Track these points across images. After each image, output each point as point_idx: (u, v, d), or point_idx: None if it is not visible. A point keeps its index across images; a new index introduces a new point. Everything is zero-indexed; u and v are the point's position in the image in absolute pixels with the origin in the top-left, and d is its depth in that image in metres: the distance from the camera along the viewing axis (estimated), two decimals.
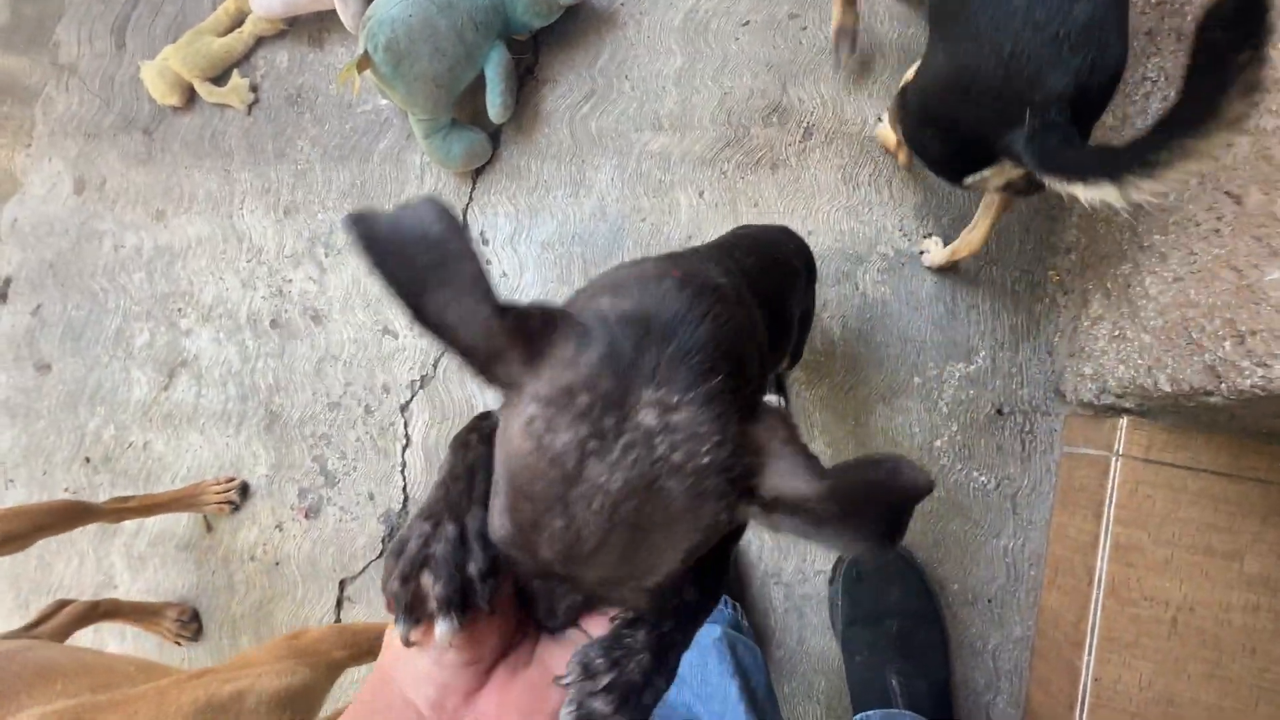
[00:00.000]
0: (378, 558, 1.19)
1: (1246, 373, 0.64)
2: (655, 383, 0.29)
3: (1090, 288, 0.95)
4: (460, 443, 0.37)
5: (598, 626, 0.35)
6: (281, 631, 1.19)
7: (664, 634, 0.34)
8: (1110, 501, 0.88)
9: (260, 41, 1.30)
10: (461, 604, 0.31)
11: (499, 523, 0.31)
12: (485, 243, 1.19)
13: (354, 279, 1.23)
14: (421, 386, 1.19)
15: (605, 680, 0.32)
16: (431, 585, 0.31)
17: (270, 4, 1.21)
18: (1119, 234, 0.89)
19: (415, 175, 1.22)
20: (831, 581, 1.03)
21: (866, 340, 1.08)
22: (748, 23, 1.14)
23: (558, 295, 1.17)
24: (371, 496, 1.20)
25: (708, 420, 0.29)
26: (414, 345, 1.20)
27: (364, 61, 0.99)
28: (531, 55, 1.20)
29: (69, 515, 1.03)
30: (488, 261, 1.18)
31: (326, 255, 1.24)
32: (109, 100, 1.36)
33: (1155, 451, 0.87)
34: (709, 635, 0.87)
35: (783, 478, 0.29)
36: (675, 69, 1.15)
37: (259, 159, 1.28)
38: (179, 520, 1.24)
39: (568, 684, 0.32)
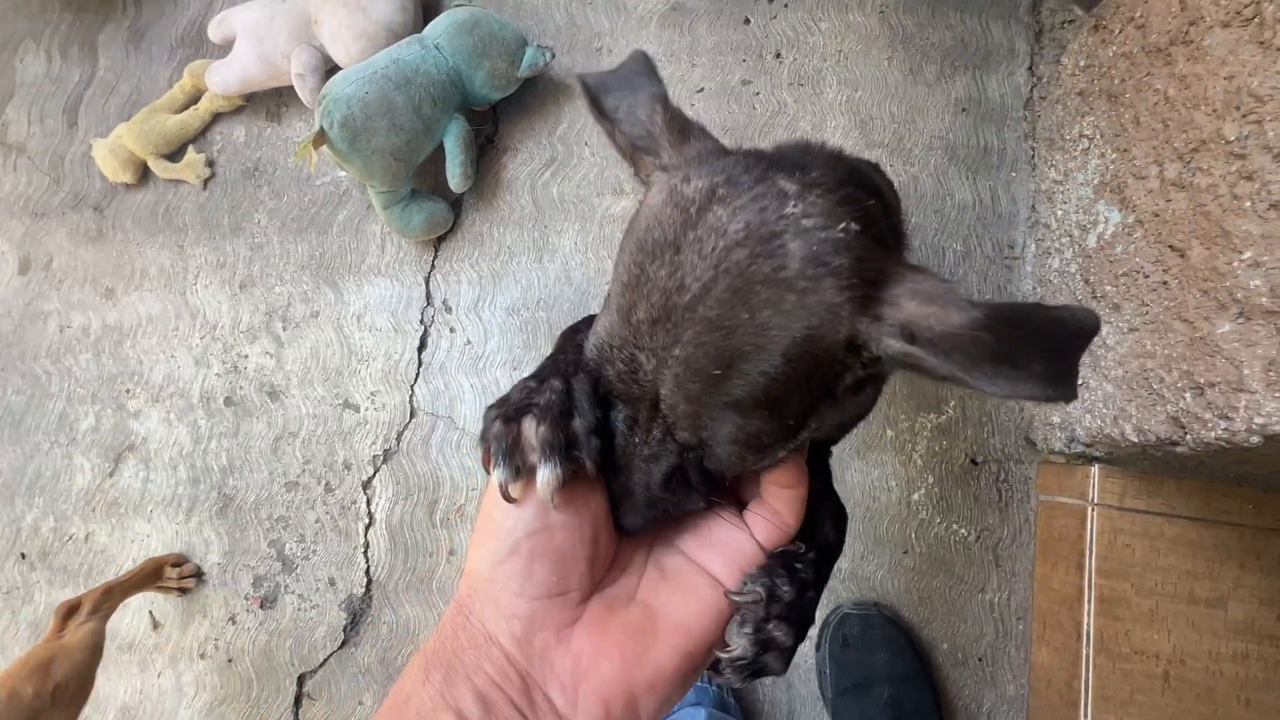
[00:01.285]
0: (340, 648, 1.11)
1: (1210, 425, 0.64)
2: (798, 175, 0.29)
3: None
4: (571, 329, 0.41)
5: (714, 558, 0.33)
6: None
7: (811, 577, 0.33)
8: (1091, 552, 0.87)
9: (217, 117, 1.29)
10: (565, 454, 0.29)
11: (602, 323, 0.31)
12: (449, 310, 1.17)
13: (313, 351, 1.19)
14: (384, 461, 1.15)
15: (781, 607, 0.31)
16: (534, 430, 0.30)
17: (226, 81, 1.21)
18: (1073, 283, 0.91)
19: (376, 245, 1.20)
20: (818, 648, 1.00)
21: None
22: (702, 89, 1.17)
23: (524, 361, 1.15)
24: (332, 582, 1.13)
25: (846, 211, 0.28)
26: (376, 418, 1.16)
27: (319, 138, 0.98)
28: (492, 125, 1.21)
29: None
30: (451, 329, 1.16)
31: (284, 329, 1.21)
32: (59, 179, 1.33)
33: (1129, 499, 0.87)
34: (693, 719, 0.83)
35: (925, 302, 0.26)
36: None
37: (214, 233, 1.26)
38: (120, 618, 1.16)
39: (745, 603, 0.31)
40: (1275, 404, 0.57)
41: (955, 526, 1.03)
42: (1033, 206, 1.06)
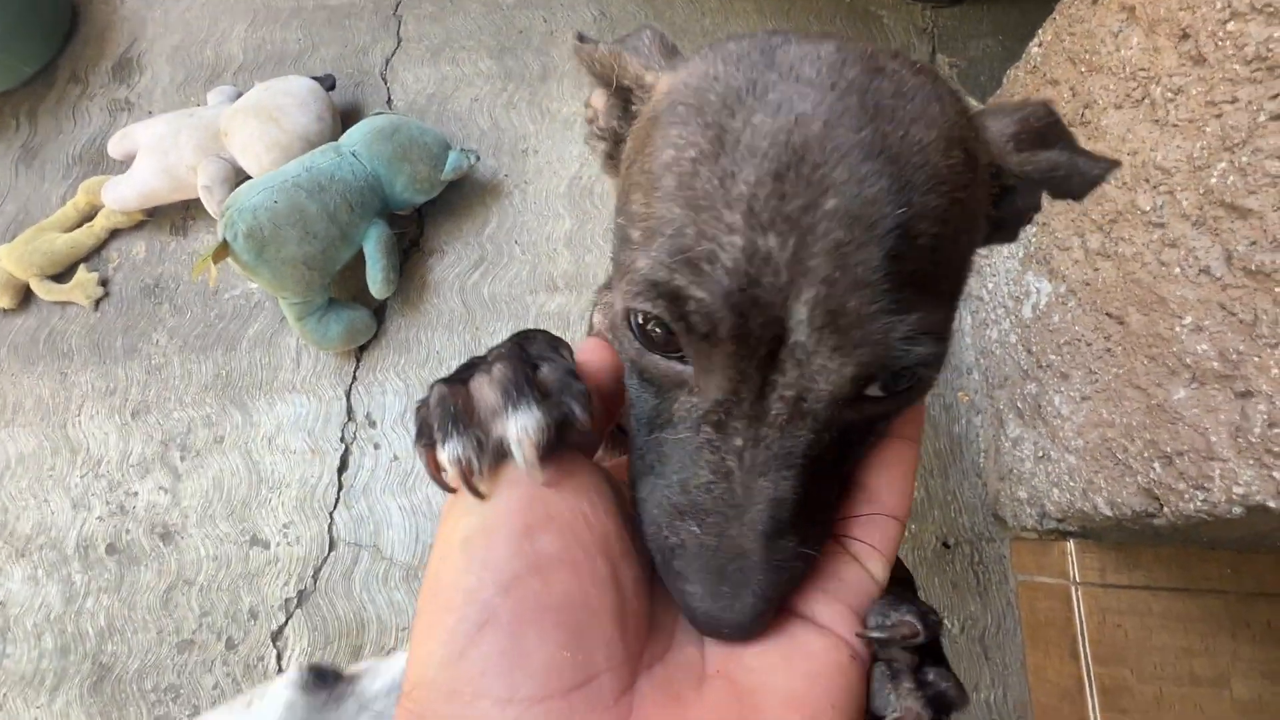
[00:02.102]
0: None
1: (1186, 496, 0.61)
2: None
3: (1002, 407, 0.94)
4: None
5: (801, 595, 0.22)
6: None
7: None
8: (1083, 637, 0.81)
9: (115, 234, 1.20)
10: (542, 401, 0.20)
11: (657, 247, 0.20)
12: (373, 424, 1.07)
13: (215, 482, 1.05)
14: (299, 604, 0.99)
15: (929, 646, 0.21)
16: (488, 383, 0.21)
17: (125, 197, 1.13)
18: (1015, 353, 0.91)
19: (290, 359, 1.11)
20: None
21: None
22: None
23: None
24: None
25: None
26: (289, 554, 1.01)
27: (221, 251, 0.91)
28: (416, 228, 1.17)
29: None
30: (376, 445, 1.06)
31: (182, 459, 1.07)
32: None
33: (1110, 574, 0.82)
34: None
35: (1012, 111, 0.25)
36: (565, 231, 1.15)
37: (104, 357, 1.13)
38: None
39: (893, 639, 0.21)
40: (1252, 471, 0.54)
41: None
42: None
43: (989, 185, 0.23)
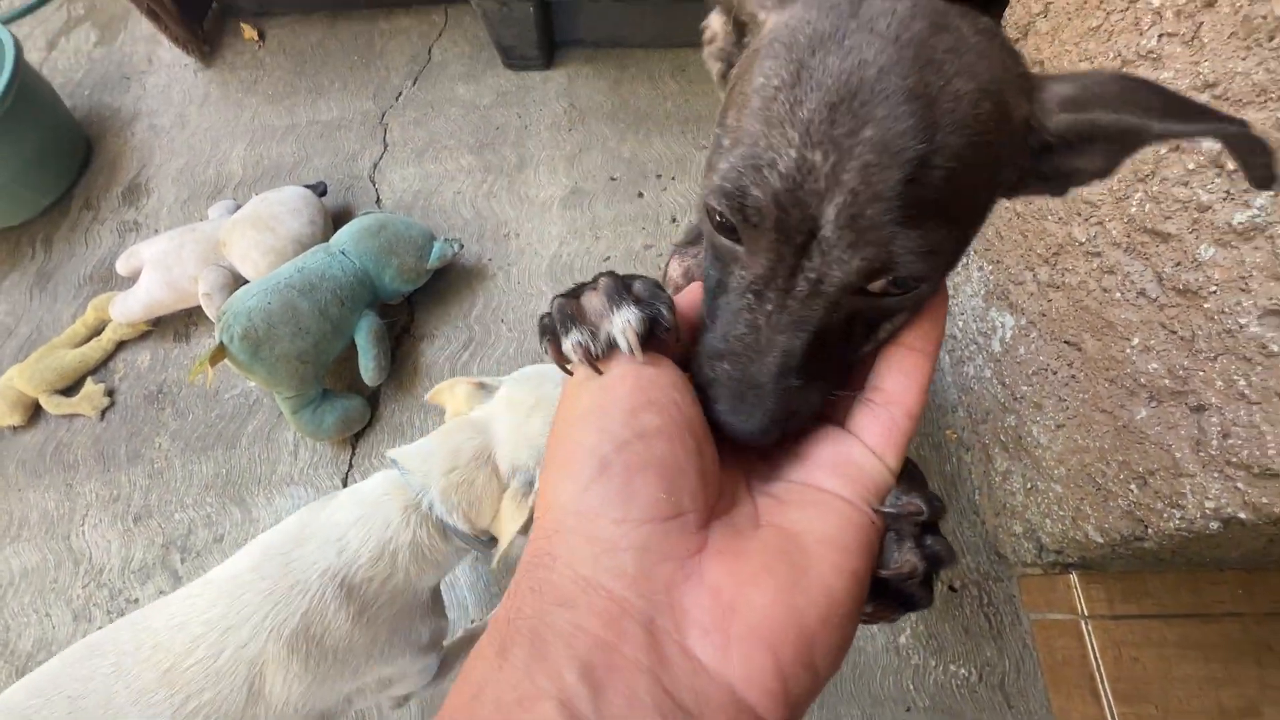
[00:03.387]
0: None
1: (1165, 515, 0.61)
2: None
3: (988, 442, 0.95)
4: None
5: (829, 478, 0.27)
6: None
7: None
8: (1100, 675, 0.78)
9: (121, 346, 1.26)
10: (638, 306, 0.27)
11: (735, 153, 0.25)
12: None
13: None
14: None
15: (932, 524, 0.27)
16: (596, 296, 0.28)
17: (131, 309, 1.19)
18: (991, 387, 0.92)
19: (288, 452, 1.13)
20: None
21: None
22: (608, 258, 1.23)
23: None
24: None
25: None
26: None
27: (218, 353, 0.95)
28: (407, 316, 1.22)
29: None
30: None
31: (183, 560, 1.08)
32: None
33: (1119, 604, 0.80)
34: None
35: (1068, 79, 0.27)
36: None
37: (109, 466, 1.16)
38: None
39: (902, 513, 0.26)
40: (1219, 484, 0.54)
41: (954, 667, 0.92)
42: None
43: (1024, 138, 0.27)
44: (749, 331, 0.27)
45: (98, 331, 1.25)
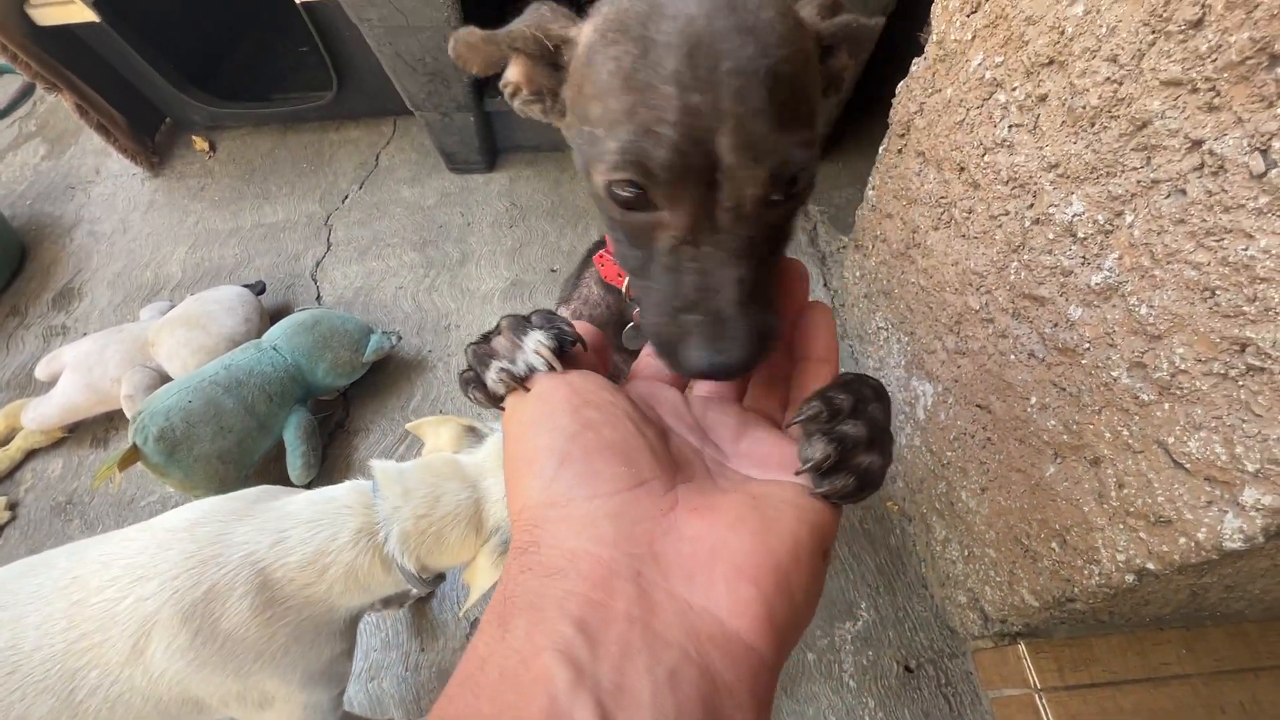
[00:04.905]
0: None
1: (1085, 572, 0.61)
2: None
3: (925, 510, 0.95)
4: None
5: (781, 472, 0.28)
6: None
7: (868, 392, 0.29)
8: None
9: (31, 455, 1.19)
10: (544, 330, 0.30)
11: (623, 128, 0.28)
12: None
13: None
14: None
15: (845, 413, 0.28)
16: (502, 336, 0.31)
17: (45, 416, 1.14)
18: (922, 455, 0.94)
19: None
20: None
21: None
22: None
23: (391, 660, 0.96)
24: None
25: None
26: None
27: (131, 455, 0.91)
28: (342, 411, 1.19)
29: None
30: None
31: None
32: None
33: (1069, 673, 0.78)
34: None
35: None
36: None
37: None
38: None
39: (805, 418, 0.27)
40: (1124, 536, 0.55)
41: None
42: None
43: (817, 44, 0.33)
44: (699, 277, 0.29)
45: (6, 441, 1.18)
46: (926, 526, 0.95)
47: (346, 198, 1.52)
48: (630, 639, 0.21)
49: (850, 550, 1.02)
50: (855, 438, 0.27)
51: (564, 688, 0.19)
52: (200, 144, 1.65)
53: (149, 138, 1.61)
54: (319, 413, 1.14)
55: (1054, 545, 0.65)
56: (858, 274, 1.11)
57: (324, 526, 0.62)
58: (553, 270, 1.35)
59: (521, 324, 0.30)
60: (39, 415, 1.14)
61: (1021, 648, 0.80)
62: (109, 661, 0.56)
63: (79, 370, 1.15)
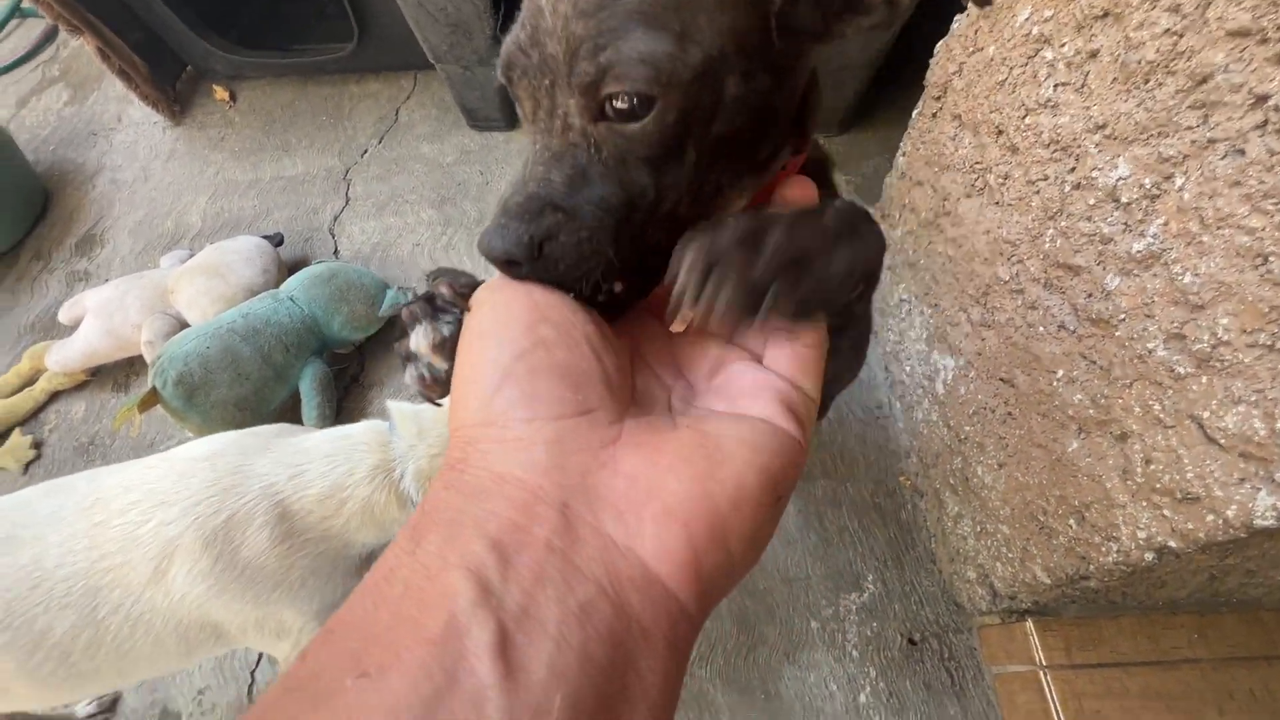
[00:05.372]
0: None
1: (1103, 549, 0.60)
2: None
3: (939, 486, 0.94)
4: None
5: (752, 404, 0.26)
6: None
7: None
8: None
9: (56, 396, 1.21)
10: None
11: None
12: None
13: None
14: None
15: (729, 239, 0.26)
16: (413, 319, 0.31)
17: (68, 358, 1.16)
18: (939, 430, 0.92)
19: None
20: None
21: (750, 590, 0.97)
22: None
23: None
24: None
25: None
26: None
27: (149, 399, 0.92)
28: (357, 365, 1.20)
29: None
30: None
31: None
32: None
33: (1076, 653, 0.77)
34: None
35: None
36: None
37: None
38: None
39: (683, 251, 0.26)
40: (1148, 513, 0.54)
41: None
42: (885, 368, 1.12)
43: None
44: (524, 171, 0.28)
45: (31, 382, 1.21)
46: (939, 502, 0.94)
47: (366, 152, 1.51)
48: (545, 566, 0.20)
49: (860, 523, 1.01)
50: (725, 250, 0.25)
51: (465, 605, 0.18)
52: (221, 94, 1.63)
53: (170, 85, 1.60)
54: (335, 365, 1.15)
55: (1071, 522, 0.64)
56: None
57: (341, 462, 0.63)
58: None
59: (424, 306, 0.31)
60: (62, 358, 1.16)
61: (1029, 625, 0.80)
62: (130, 582, 0.57)
63: (100, 316, 1.16)
